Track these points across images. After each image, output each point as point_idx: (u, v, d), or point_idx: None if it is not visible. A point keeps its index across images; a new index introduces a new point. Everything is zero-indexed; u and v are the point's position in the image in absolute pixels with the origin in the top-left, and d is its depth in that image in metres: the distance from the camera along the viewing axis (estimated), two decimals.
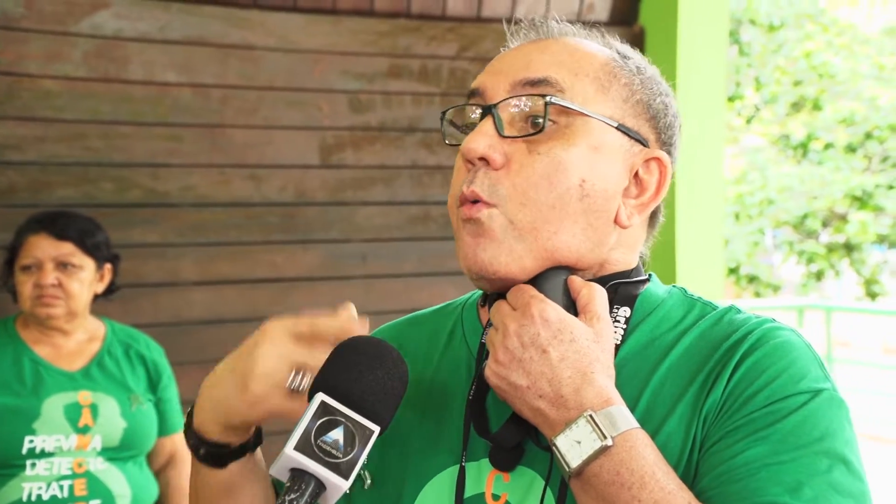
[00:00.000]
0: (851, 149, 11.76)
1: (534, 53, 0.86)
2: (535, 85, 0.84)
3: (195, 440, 0.85)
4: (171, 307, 2.97)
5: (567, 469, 0.76)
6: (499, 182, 0.83)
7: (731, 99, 11.93)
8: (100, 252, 2.22)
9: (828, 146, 11.76)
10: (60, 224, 2.17)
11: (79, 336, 2.22)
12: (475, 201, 0.84)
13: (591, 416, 0.76)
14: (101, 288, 2.25)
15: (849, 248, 11.75)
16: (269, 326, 0.81)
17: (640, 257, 0.93)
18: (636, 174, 0.87)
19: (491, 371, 0.81)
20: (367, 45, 3.21)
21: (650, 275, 0.92)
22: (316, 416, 0.75)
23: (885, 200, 11.23)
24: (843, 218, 11.70)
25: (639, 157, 0.87)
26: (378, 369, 0.79)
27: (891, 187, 11.35)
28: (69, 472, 2.08)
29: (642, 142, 0.87)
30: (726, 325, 0.84)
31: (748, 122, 12.81)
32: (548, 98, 0.82)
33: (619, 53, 0.89)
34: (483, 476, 0.85)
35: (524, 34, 0.91)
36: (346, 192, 3.20)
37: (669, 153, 0.89)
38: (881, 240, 11.63)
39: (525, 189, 0.82)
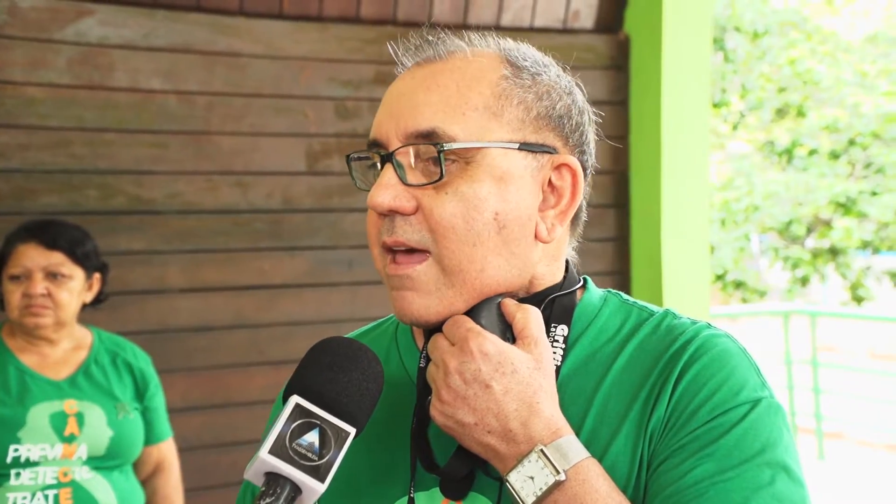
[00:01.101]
0: (835, 155, 11.85)
1: (420, 94, 0.85)
2: (426, 136, 0.83)
3: None
4: (158, 314, 2.96)
5: None
6: (420, 224, 0.83)
7: (716, 105, 12.01)
8: (89, 261, 2.21)
9: (812, 152, 11.84)
10: (51, 233, 2.15)
11: (65, 345, 2.21)
12: (407, 250, 0.84)
13: (542, 450, 0.77)
14: (89, 297, 2.24)
15: (833, 253, 11.83)
16: None
17: (578, 267, 0.93)
18: (550, 183, 0.86)
19: (437, 411, 0.81)
20: (354, 51, 3.22)
21: (584, 279, 0.93)
22: (291, 418, 0.75)
23: (869, 206, 11.32)
24: (827, 224, 11.78)
25: (547, 167, 0.86)
26: (353, 371, 0.79)
27: (874, 193, 11.44)
28: (54, 482, 2.07)
29: (549, 151, 0.86)
30: (664, 334, 0.85)
31: (734, 128, 12.89)
32: (439, 146, 0.82)
33: (511, 65, 0.87)
34: None
35: (414, 53, 0.90)
36: (332, 198, 3.21)
37: (583, 152, 0.89)
38: (865, 245, 11.71)
39: (444, 232, 0.82)
